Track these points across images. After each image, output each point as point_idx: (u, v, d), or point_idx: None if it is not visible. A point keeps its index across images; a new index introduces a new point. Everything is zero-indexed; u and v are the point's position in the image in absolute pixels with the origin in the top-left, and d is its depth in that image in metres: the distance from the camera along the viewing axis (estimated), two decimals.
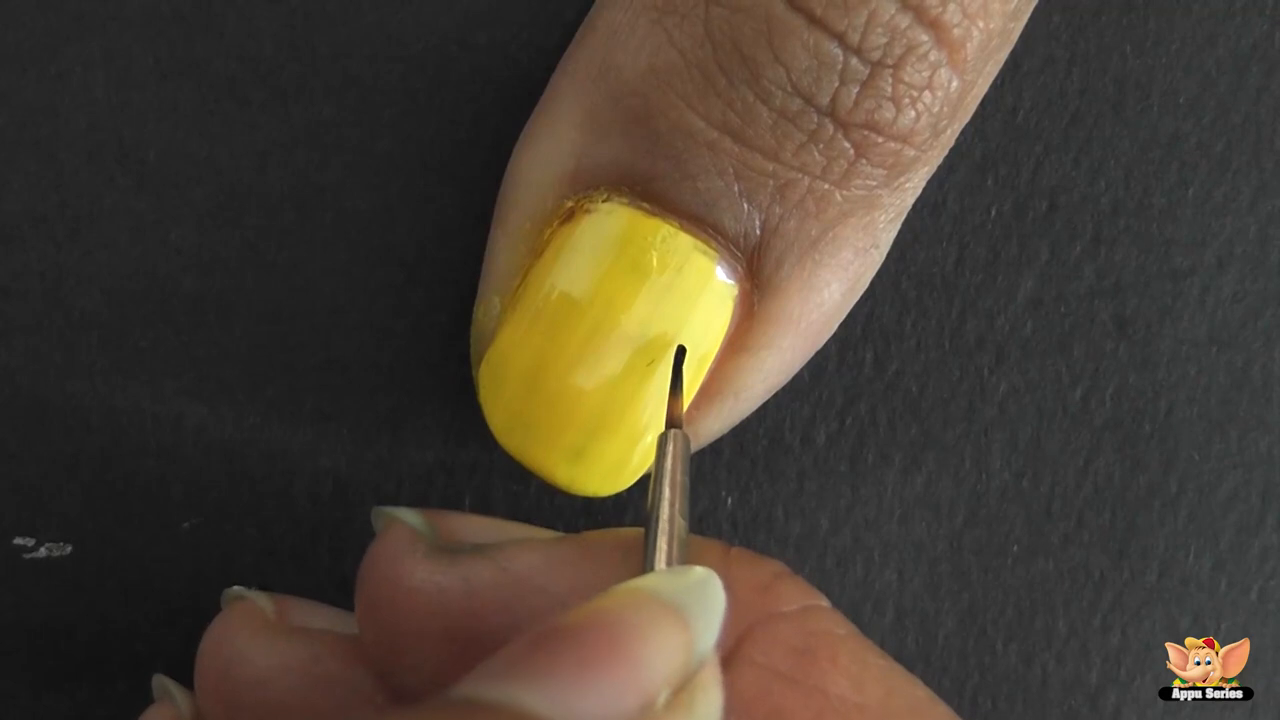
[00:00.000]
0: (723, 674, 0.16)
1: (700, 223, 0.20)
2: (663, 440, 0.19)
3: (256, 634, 0.20)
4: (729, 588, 0.17)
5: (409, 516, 0.20)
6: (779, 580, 0.21)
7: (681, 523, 0.18)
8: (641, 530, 0.20)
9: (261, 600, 0.21)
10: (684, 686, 0.15)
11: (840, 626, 0.21)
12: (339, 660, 0.20)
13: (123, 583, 0.24)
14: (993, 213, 0.23)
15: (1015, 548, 0.24)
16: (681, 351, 0.20)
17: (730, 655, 0.19)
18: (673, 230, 0.20)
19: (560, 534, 0.21)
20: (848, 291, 0.21)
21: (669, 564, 0.18)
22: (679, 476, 0.19)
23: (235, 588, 0.22)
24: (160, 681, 0.21)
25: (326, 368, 0.23)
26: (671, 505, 0.18)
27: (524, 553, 0.19)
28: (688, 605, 0.16)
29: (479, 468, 0.24)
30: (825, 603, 0.21)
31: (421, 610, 0.19)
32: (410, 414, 0.23)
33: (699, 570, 0.17)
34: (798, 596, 0.21)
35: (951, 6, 0.19)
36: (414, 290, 0.23)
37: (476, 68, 0.22)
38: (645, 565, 0.18)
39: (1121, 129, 0.23)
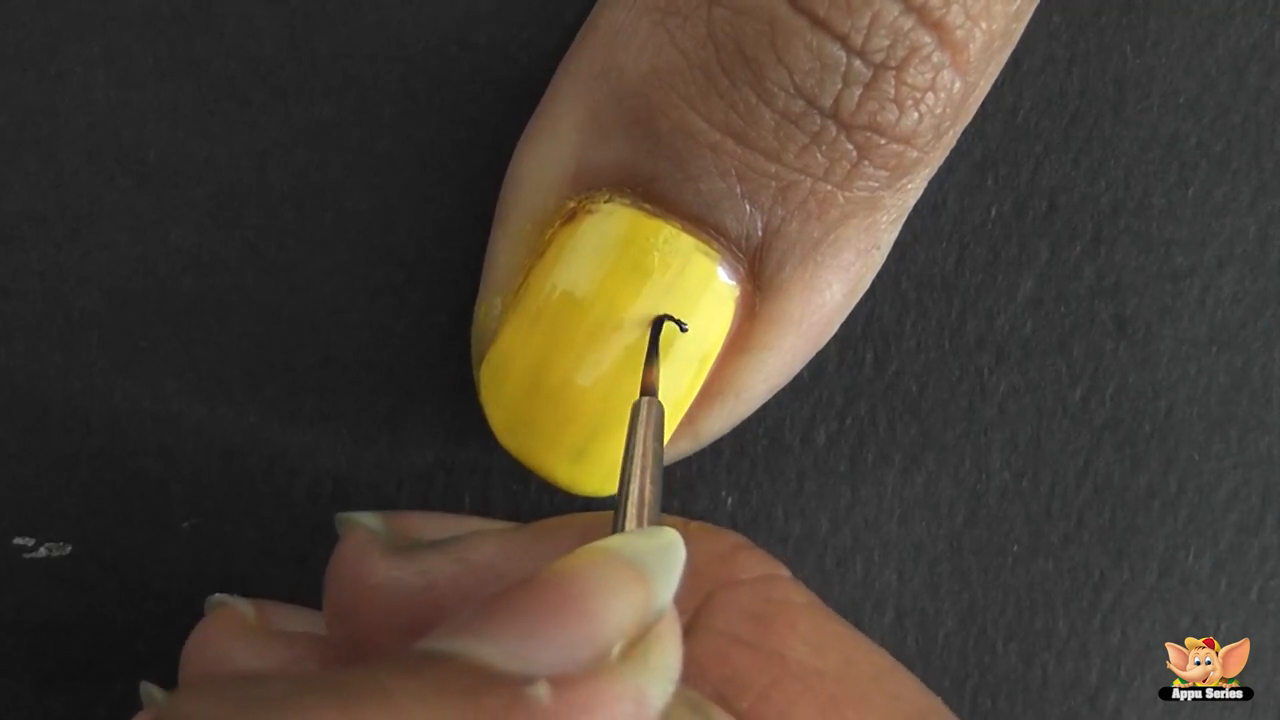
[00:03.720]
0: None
1: (702, 224, 0.20)
2: (636, 407, 0.19)
3: (238, 637, 0.21)
4: (688, 559, 0.17)
5: (367, 519, 0.20)
6: (738, 551, 0.21)
7: (652, 489, 0.18)
8: (598, 515, 0.21)
9: (243, 605, 0.22)
10: (640, 639, 0.16)
11: (800, 595, 0.21)
12: (318, 661, 0.20)
13: (123, 583, 0.23)
14: (993, 213, 0.23)
15: (1015, 548, 0.24)
16: (659, 321, 0.20)
17: (689, 623, 0.19)
18: (674, 231, 0.20)
19: (518, 525, 0.21)
20: (849, 292, 0.21)
21: (638, 527, 0.18)
22: (650, 443, 0.19)
23: (217, 595, 0.22)
24: (146, 688, 0.22)
25: (326, 368, 0.23)
26: (642, 471, 0.18)
27: (480, 544, 0.20)
28: (645, 560, 0.16)
29: (479, 468, 0.24)
30: (785, 572, 0.21)
31: (384, 607, 0.19)
32: (410, 414, 0.23)
33: (662, 530, 0.17)
34: (757, 566, 0.21)
35: (954, 8, 0.19)
36: (414, 290, 0.23)
37: (476, 68, 0.22)
38: (614, 529, 0.18)
39: (1121, 129, 0.23)
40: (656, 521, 0.18)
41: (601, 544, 0.16)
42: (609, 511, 0.19)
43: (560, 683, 0.15)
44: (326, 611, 0.20)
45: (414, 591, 0.19)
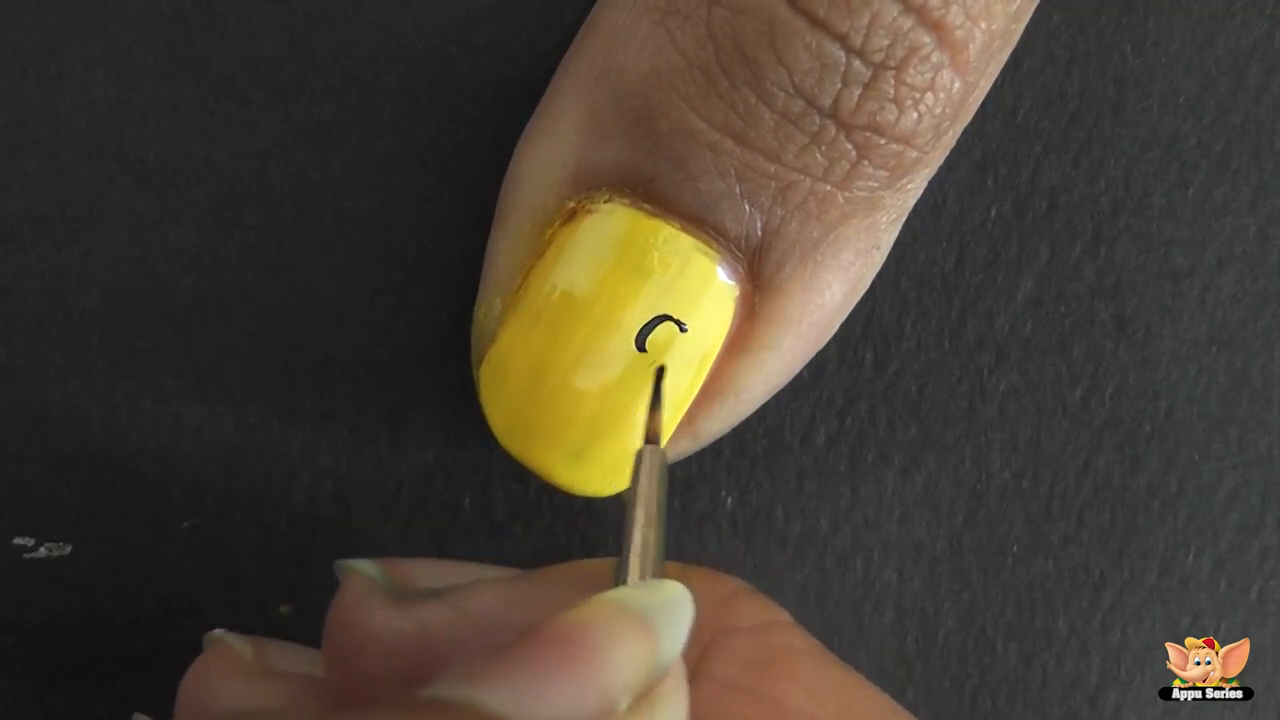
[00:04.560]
0: None
1: (701, 224, 0.20)
2: (639, 456, 0.19)
3: (235, 675, 0.21)
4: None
5: (366, 567, 0.20)
6: (737, 596, 0.22)
7: (654, 537, 0.18)
8: (600, 562, 0.21)
9: (240, 644, 0.21)
10: (647, 693, 0.16)
11: (800, 640, 0.21)
12: (315, 702, 0.20)
13: (123, 583, 0.24)
14: (993, 213, 0.23)
15: (1015, 548, 0.24)
16: (661, 371, 0.20)
17: (690, 672, 0.19)
18: (674, 231, 0.20)
19: (520, 571, 0.21)
20: (849, 292, 0.21)
21: (641, 578, 0.18)
22: (654, 492, 0.19)
23: (215, 631, 0.22)
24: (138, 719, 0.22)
25: (326, 368, 0.23)
26: (646, 521, 0.18)
27: (479, 592, 0.19)
28: (653, 614, 0.16)
29: (479, 468, 0.24)
30: (786, 618, 0.22)
31: (382, 654, 0.19)
32: (410, 414, 0.23)
33: (670, 584, 0.17)
34: (757, 612, 0.21)
35: (954, 8, 0.19)
36: (414, 290, 0.23)
37: (476, 68, 0.22)
38: (616, 579, 0.18)
39: (1121, 129, 0.23)
40: (660, 572, 0.18)
41: (610, 595, 0.16)
42: (610, 559, 0.19)
43: None
44: (325, 655, 0.20)
45: (412, 639, 0.19)
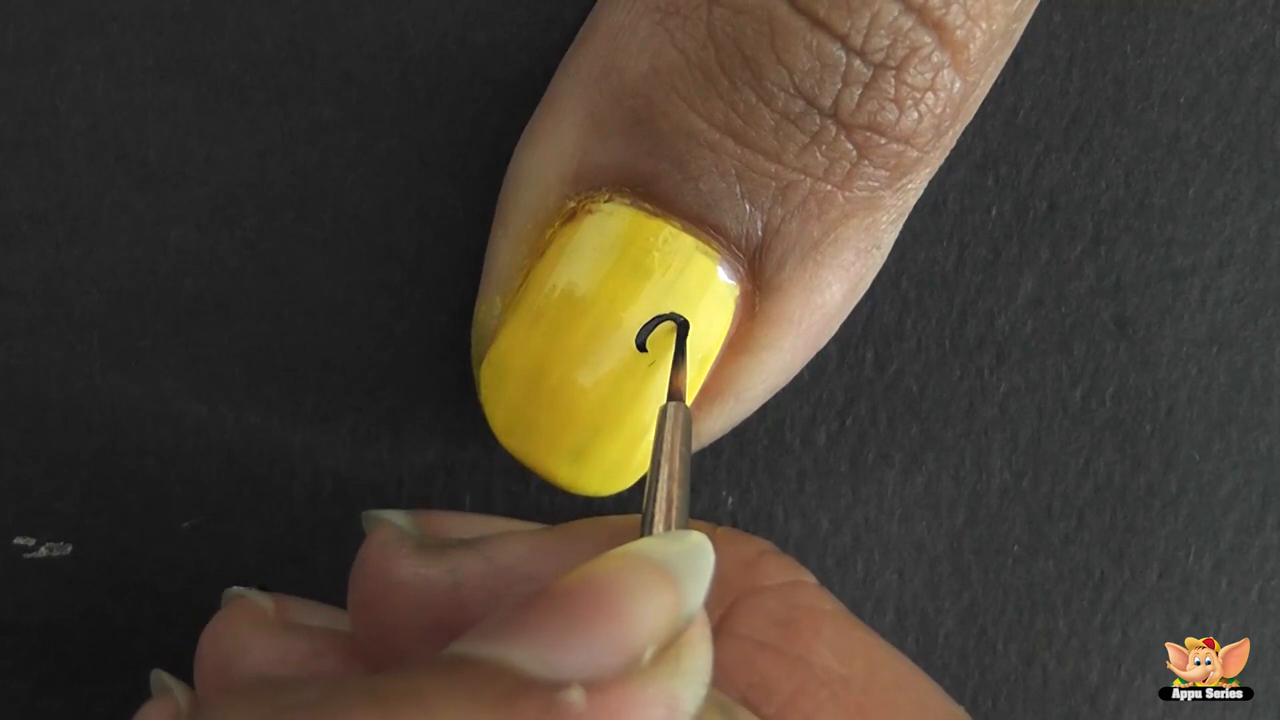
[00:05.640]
0: None
1: (702, 223, 0.20)
2: (663, 412, 0.19)
3: (257, 630, 0.21)
4: (715, 564, 0.17)
5: (396, 517, 0.20)
6: (764, 557, 0.21)
7: (679, 492, 0.18)
8: (627, 518, 0.20)
9: (261, 599, 0.21)
10: (671, 644, 0.16)
11: (826, 602, 0.21)
12: (337, 656, 0.20)
13: (123, 582, 0.24)
14: (993, 213, 0.23)
15: (1015, 548, 0.24)
16: (685, 325, 0.20)
17: (715, 629, 0.19)
18: (674, 231, 0.20)
19: (547, 526, 0.21)
20: (849, 292, 0.21)
21: (666, 530, 0.18)
22: (678, 447, 0.19)
23: (235, 587, 0.22)
24: (158, 676, 0.21)
25: (326, 368, 0.23)
26: (670, 475, 0.18)
27: (510, 543, 0.19)
28: (675, 565, 0.16)
29: (479, 468, 0.24)
30: (811, 579, 0.21)
31: (411, 604, 0.19)
32: (410, 414, 0.23)
33: (690, 534, 0.17)
34: (782, 572, 0.21)
35: (954, 8, 0.19)
36: (414, 290, 0.23)
37: (476, 68, 0.22)
38: (642, 532, 0.18)
39: (1121, 129, 0.23)
40: (684, 525, 0.18)
41: (631, 547, 0.16)
42: (636, 515, 0.19)
43: (593, 687, 0.15)
44: (352, 607, 0.20)
45: (442, 589, 0.19)
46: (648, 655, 0.15)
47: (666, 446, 0.19)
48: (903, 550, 0.24)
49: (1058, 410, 0.24)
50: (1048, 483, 0.24)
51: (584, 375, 0.20)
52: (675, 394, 0.20)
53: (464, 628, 0.16)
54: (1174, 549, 0.24)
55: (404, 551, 0.19)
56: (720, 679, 0.19)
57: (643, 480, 0.21)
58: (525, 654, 0.15)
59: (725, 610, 0.20)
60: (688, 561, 0.16)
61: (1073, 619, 0.24)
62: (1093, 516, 0.24)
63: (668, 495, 0.18)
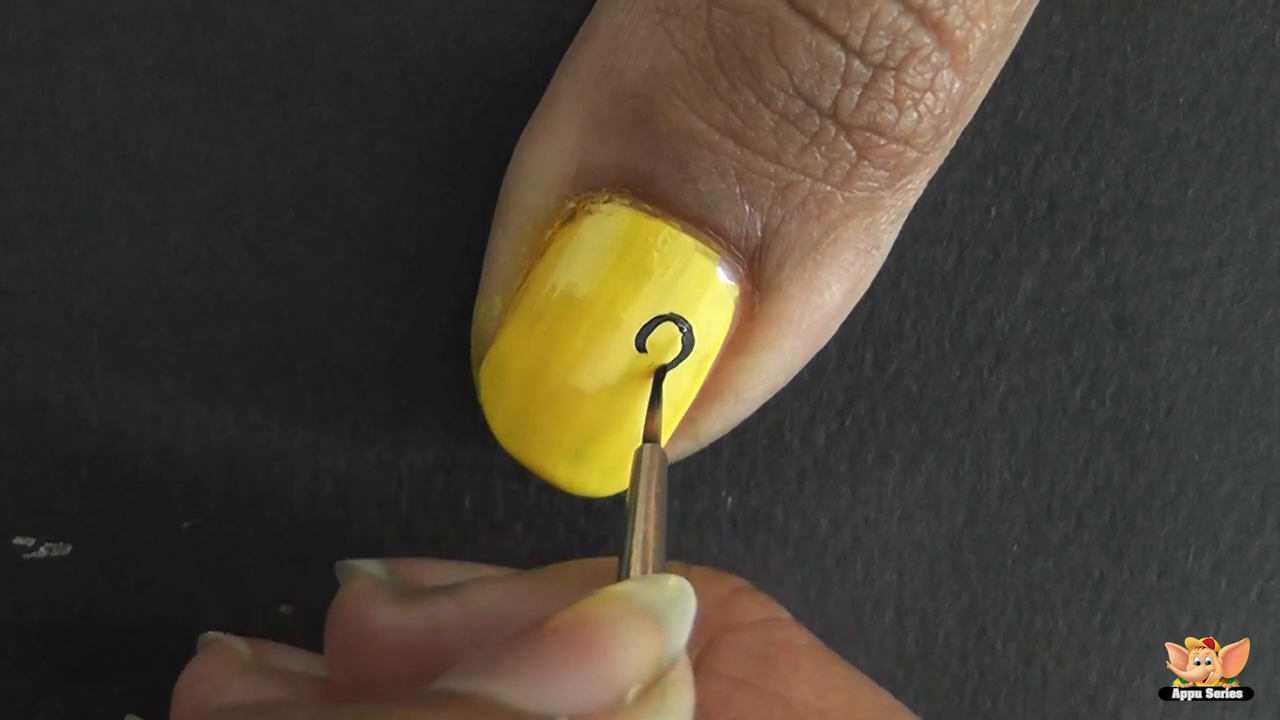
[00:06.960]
0: None
1: (701, 224, 0.20)
2: (639, 455, 0.19)
3: (233, 674, 0.21)
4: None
5: (370, 566, 0.20)
6: (738, 594, 0.22)
7: (656, 534, 0.18)
8: (602, 561, 0.21)
9: (238, 644, 0.22)
10: (655, 683, 0.16)
11: (801, 637, 0.21)
12: (316, 702, 0.20)
13: (122, 583, 0.24)
14: (993, 213, 0.23)
15: (1015, 548, 0.24)
16: (662, 371, 0.20)
17: (694, 667, 0.19)
18: (674, 231, 0.20)
19: (519, 571, 0.21)
20: (849, 293, 0.21)
21: (644, 574, 0.18)
22: (655, 489, 0.19)
23: (210, 633, 0.22)
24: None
25: (326, 368, 0.23)
26: (646, 518, 0.18)
27: (485, 589, 0.20)
28: (660, 607, 0.16)
29: (479, 468, 0.24)
30: (785, 615, 0.22)
31: (389, 651, 0.19)
32: (410, 414, 0.23)
33: (672, 578, 0.17)
34: (758, 609, 0.22)
35: (954, 8, 0.19)
36: (414, 290, 0.23)
37: (476, 68, 0.22)
38: (620, 574, 0.18)
39: (1121, 129, 0.23)
40: (662, 568, 0.18)
41: (617, 589, 0.17)
42: (613, 557, 0.20)
43: None
44: (329, 653, 0.20)
45: (419, 636, 0.19)
46: (632, 694, 0.16)
47: (642, 489, 0.19)
48: (902, 550, 0.24)
49: (1057, 410, 0.24)
50: (1047, 483, 0.24)
51: (584, 376, 0.20)
52: (650, 436, 0.20)
53: (442, 673, 0.16)
54: (1173, 549, 0.24)
55: (380, 599, 0.20)
56: (700, 717, 0.19)
57: (620, 517, 0.21)
58: (513, 689, 0.15)
59: (703, 648, 0.21)
60: (672, 605, 0.17)
61: (1072, 619, 0.24)
62: (1092, 516, 0.24)
63: (644, 537, 0.18)
